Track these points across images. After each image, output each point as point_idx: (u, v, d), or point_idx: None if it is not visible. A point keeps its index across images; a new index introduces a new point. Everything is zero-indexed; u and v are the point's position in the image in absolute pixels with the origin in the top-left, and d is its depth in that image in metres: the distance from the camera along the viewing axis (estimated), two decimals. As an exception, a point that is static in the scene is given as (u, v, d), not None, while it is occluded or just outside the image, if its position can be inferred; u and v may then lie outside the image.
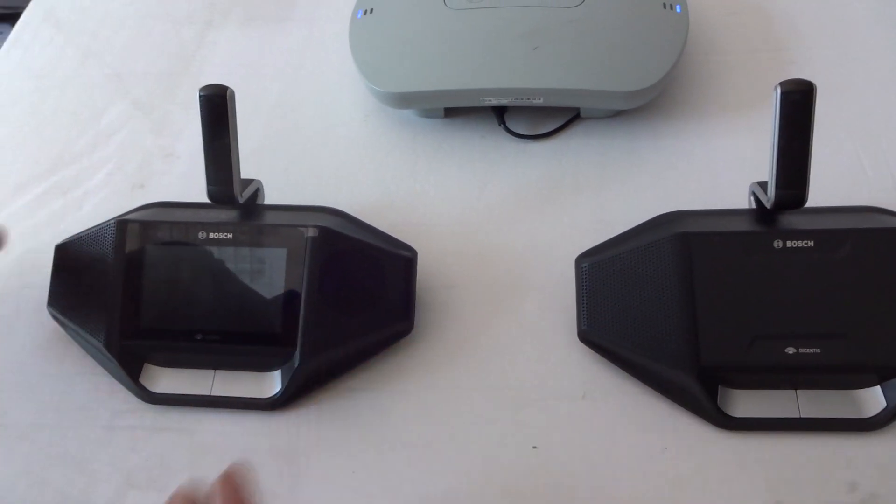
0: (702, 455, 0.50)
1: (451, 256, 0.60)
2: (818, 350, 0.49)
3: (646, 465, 0.50)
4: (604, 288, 0.53)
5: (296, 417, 0.54)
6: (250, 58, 0.77)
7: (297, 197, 0.61)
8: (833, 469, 0.49)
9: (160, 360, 0.55)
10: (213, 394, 0.54)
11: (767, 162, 0.50)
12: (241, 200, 0.55)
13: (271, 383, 0.54)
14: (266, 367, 0.54)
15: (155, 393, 0.54)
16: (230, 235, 0.54)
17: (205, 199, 0.55)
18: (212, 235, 0.54)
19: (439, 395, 0.54)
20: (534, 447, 0.51)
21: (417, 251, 0.57)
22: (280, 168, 0.67)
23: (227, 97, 0.53)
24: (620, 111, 0.68)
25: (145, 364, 0.55)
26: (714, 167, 0.64)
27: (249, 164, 0.57)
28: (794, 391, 0.51)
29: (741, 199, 0.57)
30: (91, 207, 0.67)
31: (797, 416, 0.50)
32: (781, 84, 0.49)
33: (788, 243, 0.50)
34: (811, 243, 0.50)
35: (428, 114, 0.70)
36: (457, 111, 0.70)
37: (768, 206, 0.51)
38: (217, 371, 0.55)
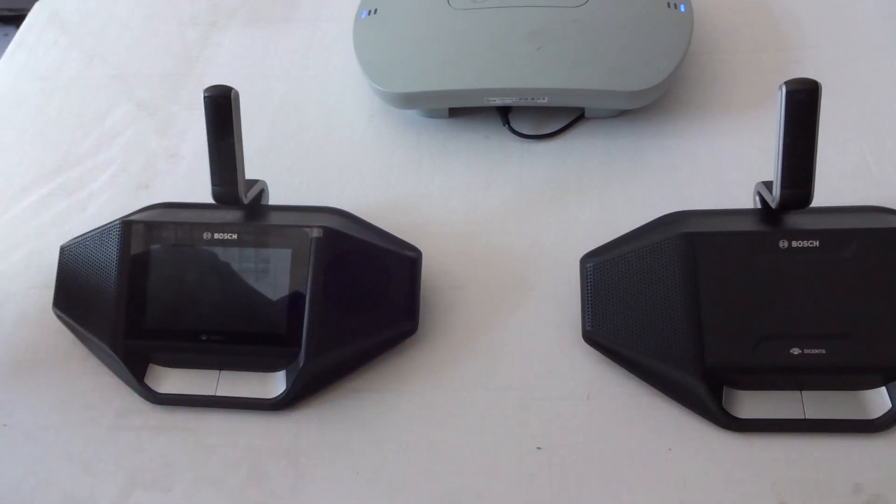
0: (706, 456, 0.50)
1: (455, 257, 0.60)
2: (823, 351, 0.49)
3: (650, 465, 0.50)
4: (608, 288, 0.53)
5: (300, 418, 0.54)
6: (254, 59, 0.78)
7: (301, 197, 0.62)
8: (838, 470, 0.48)
9: (165, 360, 0.55)
10: (217, 394, 0.54)
11: (772, 161, 0.50)
12: (246, 201, 0.55)
13: (276, 384, 0.54)
14: (270, 367, 0.54)
15: (160, 393, 0.54)
16: (235, 236, 0.54)
17: (209, 199, 0.55)
18: (216, 236, 0.54)
19: (444, 395, 0.54)
20: (538, 448, 0.51)
21: (422, 251, 0.57)
22: (284, 168, 0.67)
23: (232, 98, 0.53)
24: (625, 111, 0.68)
25: (150, 364, 0.55)
26: (719, 167, 0.64)
27: (254, 165, 0.57)
28: (799, 392, 0.51)
29: (746, 199, 0.57)
30: (96, 208, 0.67)
31: (802, 417, 0.50)
32: (786, 83, 0.49)
33: (794, 243, 0.50)
34: (816, 243, 0.50)
35: (432, 114, 0.70)
36: (461, 111, 0.70)
37: (773, 205, 0.51)
38: (222, 371, 0.55)
